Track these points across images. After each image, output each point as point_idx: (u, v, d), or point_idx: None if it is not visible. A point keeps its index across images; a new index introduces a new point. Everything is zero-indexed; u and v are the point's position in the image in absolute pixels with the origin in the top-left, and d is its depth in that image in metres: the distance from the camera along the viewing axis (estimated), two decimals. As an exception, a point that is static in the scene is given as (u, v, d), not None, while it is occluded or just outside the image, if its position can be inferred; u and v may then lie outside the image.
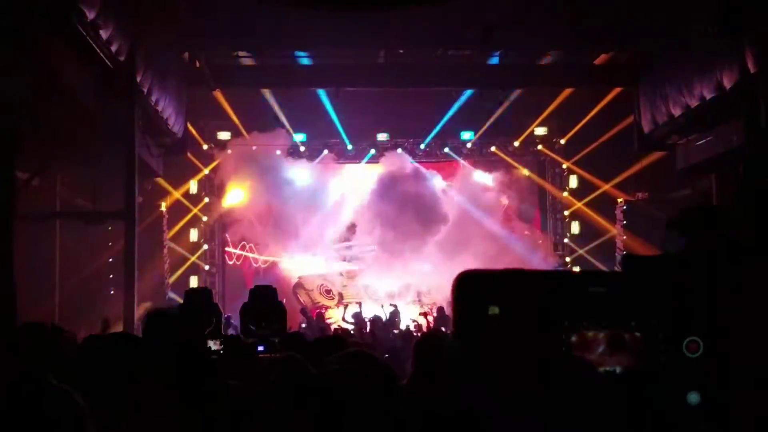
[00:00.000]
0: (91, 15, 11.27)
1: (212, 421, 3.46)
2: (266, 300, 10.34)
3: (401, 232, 19.98)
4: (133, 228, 13.87)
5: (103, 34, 11.86)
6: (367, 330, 16.06)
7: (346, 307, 20.06)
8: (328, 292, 21.47)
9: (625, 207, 19.42)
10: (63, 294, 14.97)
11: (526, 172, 21.63)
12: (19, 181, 11.55)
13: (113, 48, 12.40)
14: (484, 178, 21.57)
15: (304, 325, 17.49)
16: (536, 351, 1.54)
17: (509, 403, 1.55)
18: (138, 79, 13.70)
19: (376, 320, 17.28)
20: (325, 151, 21.38)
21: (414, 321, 18.86)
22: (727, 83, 12.90)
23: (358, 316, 17.79)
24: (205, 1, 14.64)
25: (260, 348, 8.68)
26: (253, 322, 9.91)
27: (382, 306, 18.68)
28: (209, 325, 8.94)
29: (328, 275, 21.76)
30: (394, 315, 18.30)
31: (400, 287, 20.90)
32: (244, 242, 21.26)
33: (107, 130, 13.47)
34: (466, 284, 1.54)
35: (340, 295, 21.38)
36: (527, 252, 20.69)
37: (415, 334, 15.65)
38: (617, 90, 18.18)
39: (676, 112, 14.98)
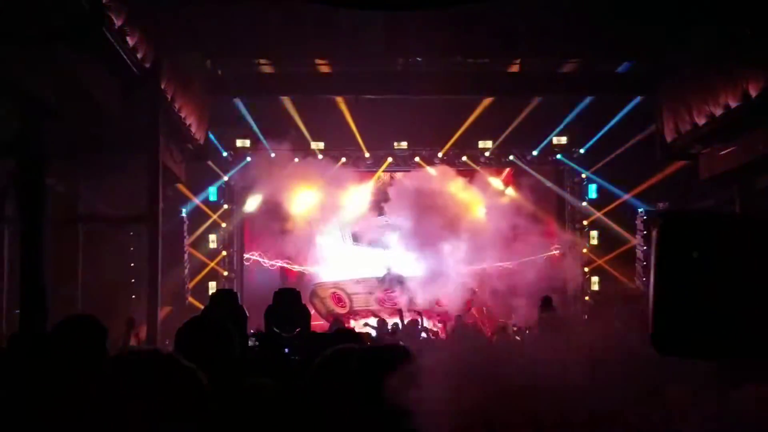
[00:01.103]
0: (118, 22, 11.38)
1: (250, 418, 3.48)
2: (290, 303, 10.32)
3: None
4: (157, 232, 13.94)
5: (130, 41, 11.95)
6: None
7: (354, 318, 20.11)
8: (339, 300, 21.37)
9: (645, 217, 19.34)
10: (86, 298, 15.01)
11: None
12: (48, 187, 11.64)
13: (139, 55, 12.49)
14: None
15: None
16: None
17: None
18: (162, 86, 13.79)
19: (395, 329, 17.24)
20: (343, 159, 21.41)
21: (430, 329, 18.76)
22: (753, 91, 12.86)
23: (381, 323, 17.75)
24: (227, 9, 14.71)
25: (286, 350, 8.69)
26: (277, 325, 9.89)
27: (400, 312, 18.60)
28: (236, 327, 8.91)
29: (340, 282, 21.70)
30: (414, 324, 18.22)
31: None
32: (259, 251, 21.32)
33: (131, 136, 13.56)
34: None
35: (350, 304, 21.23)
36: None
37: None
38: (639, 98, 18.11)
39: (700, 120, 14.92)
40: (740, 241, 1.35)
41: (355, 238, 22.28)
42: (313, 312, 19.74)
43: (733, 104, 13.59)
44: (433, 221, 19.68)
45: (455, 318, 18.40)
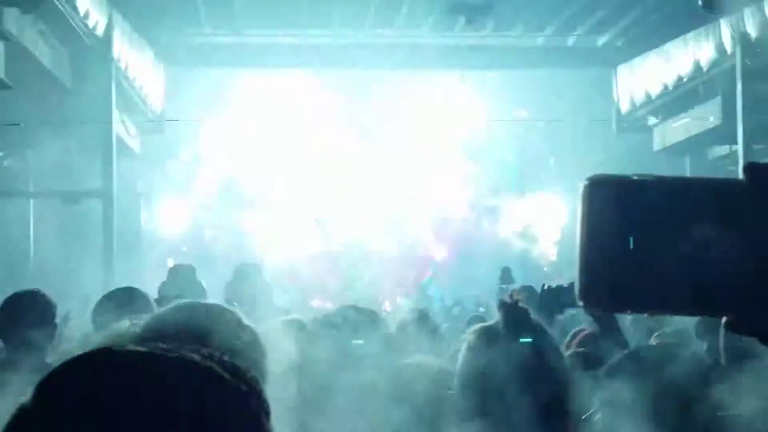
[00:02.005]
0: (67, -12, 11.16)
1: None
2: (251, 278, 10.25)
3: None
4: (111, 207, 13.78)
5: (80, 8, 11.73)
6: None
7: None
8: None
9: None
10: (39, 274, 14.79)
11: None
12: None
13: (89, 23, 12.27)
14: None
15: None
16: None
17: None
18: (115, 56, 13.57)
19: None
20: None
21: None
22: (705, 63, 12.98)
23: None
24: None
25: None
26: (237, 301, 9.83)
27: None
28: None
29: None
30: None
31: None
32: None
33: (84, 108, 13.34)
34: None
35: None
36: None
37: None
38: (595, 70, 18.20)
39: (654, 92, 15.05)
40: (660, 202, 1.41)
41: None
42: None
43: (685, 76, 13.73)
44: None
45: None
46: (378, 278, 19.54)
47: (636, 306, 1.50)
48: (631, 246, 1.39)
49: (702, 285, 1.26)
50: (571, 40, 17.71)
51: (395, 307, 17.84)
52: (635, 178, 1.35)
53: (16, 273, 14.04)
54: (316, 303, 18.98)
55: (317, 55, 17.75)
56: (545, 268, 19.50)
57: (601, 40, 17.29)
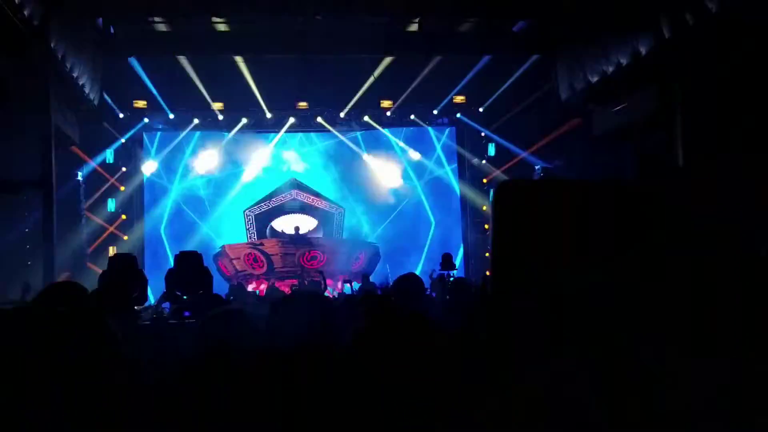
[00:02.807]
0: (3, -22, 10.95)
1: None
2: (192, 265, 10.25)
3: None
4: (51, 197, 13.60)
5: (16, -1, 11.54)
6: None
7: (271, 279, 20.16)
8: (256, 260, 21.36)
9: (542, 174, 19.74)
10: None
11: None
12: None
13: (26, 12, 12.06)
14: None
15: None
16: None
17: None
18: (52, 45, 13.36)
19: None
20: (244, 120, 21.24)
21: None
22: (643, 49, 13.21)
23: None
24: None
25: (186, 313, 8.66)
26: (179, 288, 9.83)
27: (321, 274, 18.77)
28: (135, 291, 8.82)
29: (258, 242, 21.79)
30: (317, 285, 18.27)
31: None
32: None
33: (21, 97, 13.13)
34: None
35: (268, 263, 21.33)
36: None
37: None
38: (535, 57, 18.38)
39: (593, 78, 15.28)
40: (560, 202, 1.52)
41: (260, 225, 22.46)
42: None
43: (624, 62, 13.96)
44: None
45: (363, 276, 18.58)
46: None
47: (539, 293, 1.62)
48: (537, 245, 1.51)
49: None
50: (512, 25, 17.90)
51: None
52: (537, 181, 1.50)
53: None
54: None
55: (251, 42, 17.68)
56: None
57: (541, 26, 17.49)
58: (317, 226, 22.81)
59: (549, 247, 1.53)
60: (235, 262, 21.33)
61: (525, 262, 1.54)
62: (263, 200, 22.68)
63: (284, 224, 22.65)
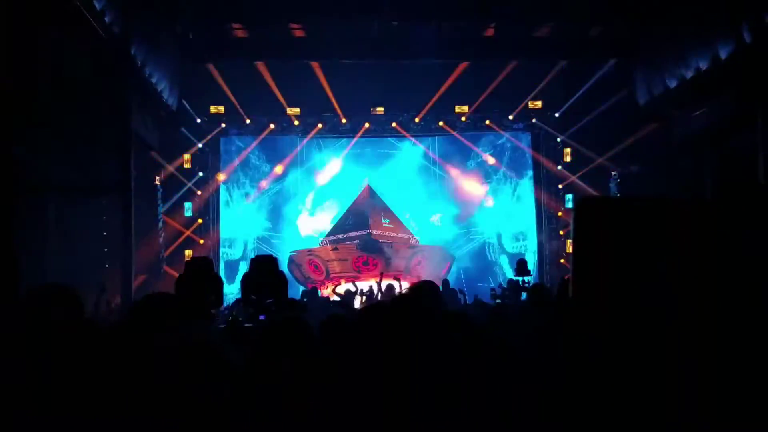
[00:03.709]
0: (85, -14, 11.22)
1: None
2: (267, 270, 10.31)
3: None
4: (129, 201, 13.89)
5: (97, 4, 11.80)
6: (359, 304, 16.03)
7: (337, 283, 20.14)
8: (316, 267, 21.47)
9: (618, 180, 19.40)
10: (59, 268, 14.91)
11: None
12: (16, 156, 11.49)
13: (107, 19, 12.34)
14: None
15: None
16: None
17: None
18: (132, 52, 13.64)
19: (368, 294, 17.28)
20: (319, 125, 21.37)
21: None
22: (723, 54, 12.89)
23: (348, 291, 17.74)
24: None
25: (261, 317, 8.74)
26: (254, 292, 9.90)
27: (381, 276, 18.69)
28: (211, 295, 8.91)
29: (314, 249, 21.90)
30: (390, 289, 18.22)
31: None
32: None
33: (102, 103, 13.43)
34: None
35: (327, 271, 21.38)
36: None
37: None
38: (612, 62, 18.09)
39: (672, 83, 14.96)
40: (645, 221, 1.49)
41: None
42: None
43: (703, 67, 13.63)
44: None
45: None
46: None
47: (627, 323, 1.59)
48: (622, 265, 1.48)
49: None
50: (587, 30, 17.66)
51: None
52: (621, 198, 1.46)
53: (36, 264, 14.13)
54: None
55: (328, 48, 17.78)
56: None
57: (618, 30, 17.23)
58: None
59: (627, 264, 1.51)
60: (301, 268, 21.48)
61: (604, 277, 1.52)
62: (338, 230, 22.59)
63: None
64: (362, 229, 21.94)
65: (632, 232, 1.50)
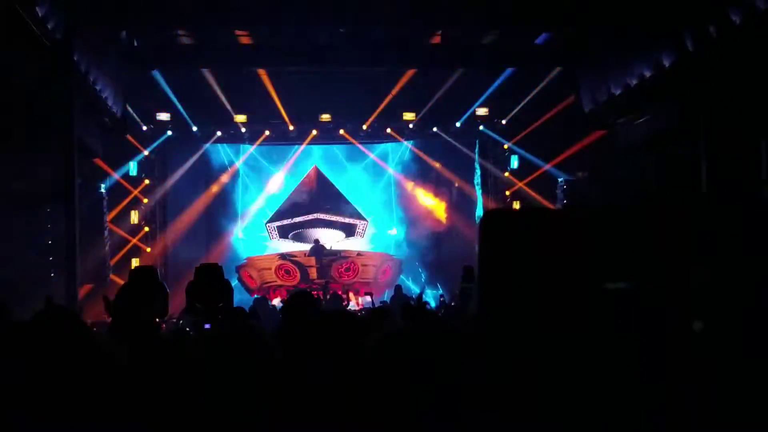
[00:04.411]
0: (26, -8, 11.03)
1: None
2: (212, 278, 10.22)
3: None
4: (73, 210, 13.66)
5: (39, 11, 11.61)
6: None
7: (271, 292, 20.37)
8: (288, 272, 21.54)
9: (565, 186, 19.62)
10: (2, 278, 14.63)
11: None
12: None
13: (49, 26, 12.15)
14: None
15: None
16: None
17: None
18: (75, 58, 13.45)
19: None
20: (267, 132, 21.30)
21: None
22: (666, 62, 13.11)
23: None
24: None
25: (207, 326, 8.67)
26: (199, 300, 9.80)
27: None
28: (155, 301, 8.80)
29: (288, 254, 21.98)
30: (336, 297, 18.24)
31: None
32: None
33: (45, 110, 13.21)
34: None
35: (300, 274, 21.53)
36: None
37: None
38: (558, 69, 18.27)
39: (617, 90, 15.17)
40: (544, 231, 1.55)
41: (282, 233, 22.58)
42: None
43: (647, 74, 13.84)
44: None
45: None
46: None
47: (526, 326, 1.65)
48: (521, 273, 1.53)
49: None
50: (534, 38, 17.81)
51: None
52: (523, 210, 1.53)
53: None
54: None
55: (274, 55, 17.70)
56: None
57: (563, 38, 17.39)
58: (344, 238, 22.97)
59: (532, 274, 1.56)
60: (264, 272, 21.44)
61: (508, 287, 1.57)
62: (285, 214, 22.73)
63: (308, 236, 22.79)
64: (309, 212, 22.18)
65: (535, 242, 1.58)
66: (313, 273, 21.56)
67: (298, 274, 21.49)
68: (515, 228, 1.55)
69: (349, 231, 23.09)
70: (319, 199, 22.99)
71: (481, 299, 1.55)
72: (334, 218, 22.79)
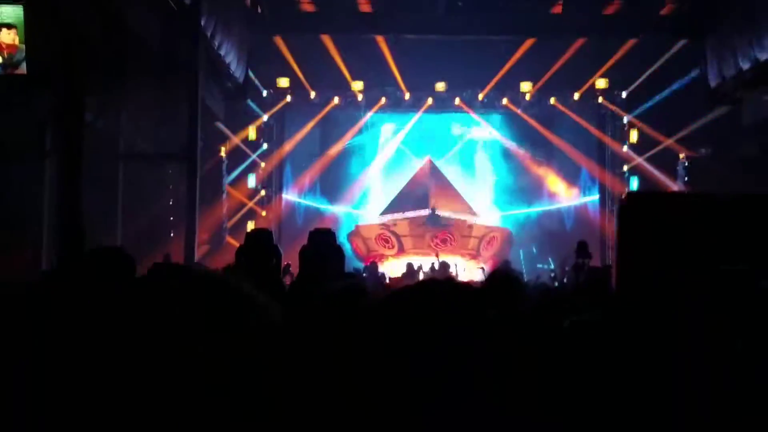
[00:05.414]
0: (156, -44, 11.33)
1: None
2: (325, 243, 10.33)
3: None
4: (195, 171, 14.03)
5: (169, -25, 11.93)
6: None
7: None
8: (387, 241, 21.61)
9: (687, 163, 19.05)
10: (124, 235, 15.17)
11: None
12: (88, 122, 11.69)
13: (178, -10, 12.46)
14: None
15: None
16: None
17: None
18: (202, 22, 13.76)
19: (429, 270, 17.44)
20: (383, 99, 21.36)
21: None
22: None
23: (410, 266, 17.82)
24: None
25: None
26: (311, 265, 9.94)
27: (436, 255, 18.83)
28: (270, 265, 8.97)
29: (388, 223, 21.97)
30: (445, 267, 18.24)
31: None
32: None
33: (171, 72, 13.59)
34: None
35: (400, 245, 21.54)
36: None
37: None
38: (682, 42, 17.72)
39: (745, 65, 14.61)
40: (687, 215, 1.50)
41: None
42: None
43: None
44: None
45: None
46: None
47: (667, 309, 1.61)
48: (663, 256, 1.48)
49: None
50: (658, 8, 17.32)
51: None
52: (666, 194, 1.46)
53: (105, 230, 14.38)
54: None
55: (394, 23, 17.73)
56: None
57: (690, 9, 16.85)
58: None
59: (672, 258, 1.51)
60: (368, 241, 21.59)
61: (647, 271, 1.53)
62: (396, 207, 22.49)
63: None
64: (423, 206, 22.00)
65: (677, 227, 1.51)
66: (408, 243, 21.53)
67: (396, 244, 21.52)
68: (658, 212, 1.49)
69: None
70: (433, 194, 22.59)
71: (619, 284, 1.52)
72: (446, 214, 22.46)
